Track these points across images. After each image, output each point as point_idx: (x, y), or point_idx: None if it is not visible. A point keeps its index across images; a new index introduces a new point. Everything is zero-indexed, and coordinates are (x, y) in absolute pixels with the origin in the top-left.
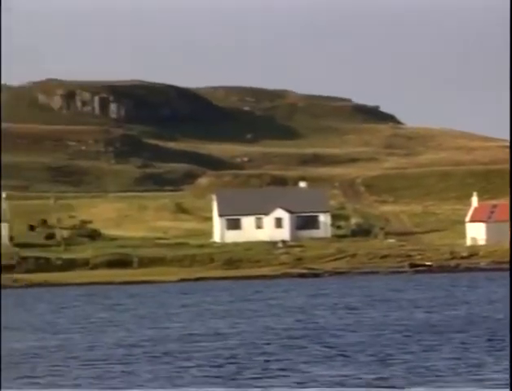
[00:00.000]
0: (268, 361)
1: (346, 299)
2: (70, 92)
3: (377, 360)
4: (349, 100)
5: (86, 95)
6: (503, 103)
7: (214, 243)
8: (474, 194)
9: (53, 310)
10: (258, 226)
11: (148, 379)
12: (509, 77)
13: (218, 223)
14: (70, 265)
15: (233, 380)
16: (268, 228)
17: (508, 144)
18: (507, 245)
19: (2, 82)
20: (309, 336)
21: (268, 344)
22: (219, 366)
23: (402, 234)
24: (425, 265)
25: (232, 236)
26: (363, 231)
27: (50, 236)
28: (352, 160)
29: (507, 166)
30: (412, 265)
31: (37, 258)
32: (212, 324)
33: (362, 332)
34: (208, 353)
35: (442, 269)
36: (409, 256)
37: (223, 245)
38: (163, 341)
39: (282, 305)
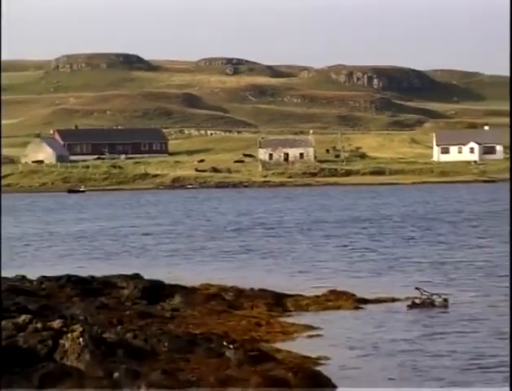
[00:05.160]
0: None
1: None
2: (350, 72)
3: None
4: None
5: (359, 74)
6: None
7: (433, 161)
8: None
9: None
10: (459, 152)
11: None
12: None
13: (435, 150)
14: (348, 173)
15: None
16: (465, 153)
17: None
18: None
19: (307, 65)
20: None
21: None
22: None
23: None
24: None
25: (444, 158)
26: None
27: (337, 156)
28: None
29: None
30: None
31: (330, 169)
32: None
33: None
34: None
35: None
36: None
37: (439, 163)
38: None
39: (468, 195)
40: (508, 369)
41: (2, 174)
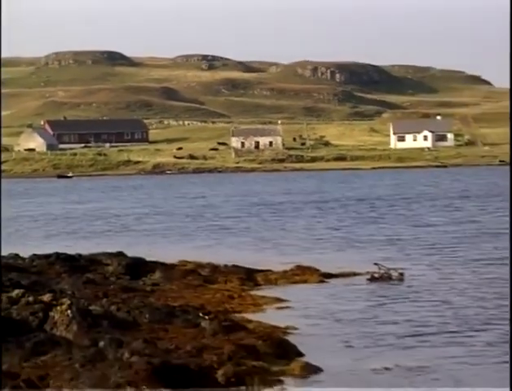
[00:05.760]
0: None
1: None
2: (314, 67)
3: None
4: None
5: (323, 69)
6: None
7: (391, 148)
8: None
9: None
10: (414, 140)
11: None
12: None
13: (393, 138)
14: (313, 159)
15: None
16: (420, 141)
17: None
18: None
19: (275, 61)
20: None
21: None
22: None
23: (493, 144)
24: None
25: (400, 145)
26: (471, 143)
27: (303, 144)
28: (465, 104)
29: None
30: (501, 161)
31: (296, 155)
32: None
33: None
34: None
35: None
36: (496, 156)
37: (396, 150)
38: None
39: (422, 179)
40: None
41: None
